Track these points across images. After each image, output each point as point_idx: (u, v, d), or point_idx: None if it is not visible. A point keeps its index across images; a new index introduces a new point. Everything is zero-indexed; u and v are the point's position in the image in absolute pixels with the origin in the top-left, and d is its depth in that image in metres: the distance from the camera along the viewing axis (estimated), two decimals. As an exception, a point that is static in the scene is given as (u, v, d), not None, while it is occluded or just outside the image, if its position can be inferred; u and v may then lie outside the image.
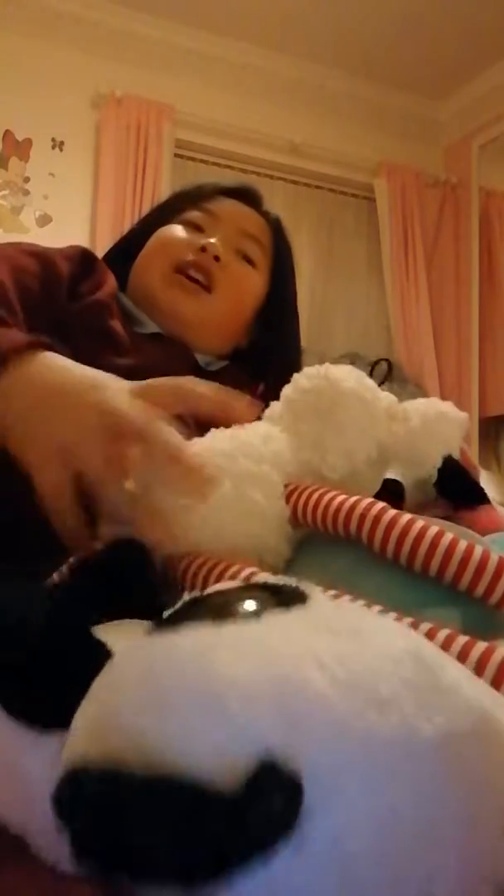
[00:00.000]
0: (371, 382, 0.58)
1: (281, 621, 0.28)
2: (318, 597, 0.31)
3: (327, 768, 0.23)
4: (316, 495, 0.48)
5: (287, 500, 0.51)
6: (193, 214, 0.95)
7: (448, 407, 0.60)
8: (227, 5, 3.14)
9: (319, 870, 0.22)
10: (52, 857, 0.30)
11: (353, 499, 0.46)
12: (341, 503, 0.46)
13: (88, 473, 0.48)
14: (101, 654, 0.30)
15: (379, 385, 0.60)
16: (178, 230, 0.94)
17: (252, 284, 0.95)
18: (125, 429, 0.47)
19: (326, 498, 0.48)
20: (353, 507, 0.45)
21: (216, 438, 0.52)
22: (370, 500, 0.46)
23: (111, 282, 0.90)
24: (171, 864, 0.20)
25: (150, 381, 0.51)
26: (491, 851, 0.24)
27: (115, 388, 0.50)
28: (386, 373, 3.50)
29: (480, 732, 0.25)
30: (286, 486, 0.52)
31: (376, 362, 3.47)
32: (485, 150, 3.63)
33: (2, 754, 0.30)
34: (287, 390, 0.59)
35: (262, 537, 0.49)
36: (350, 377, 0.57)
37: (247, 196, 0.99)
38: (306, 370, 0.59)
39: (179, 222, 0.95)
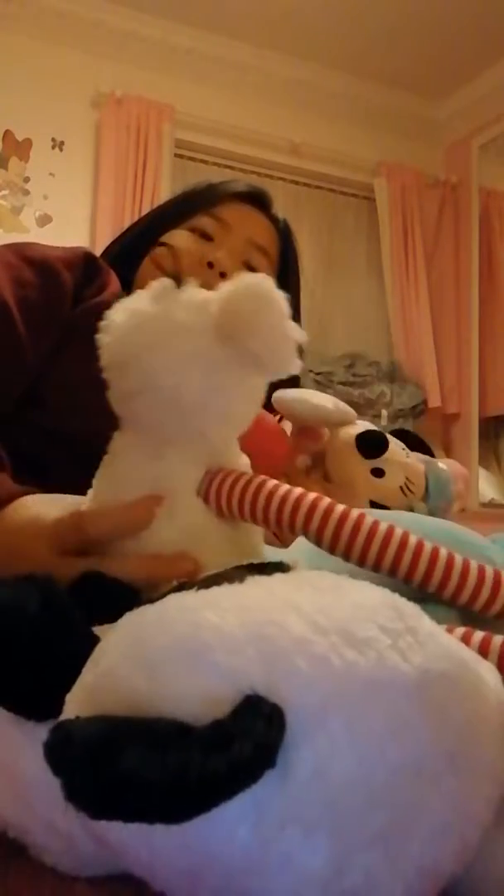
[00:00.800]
0: (177, 316, 0.46)
1: (263, 582, 0.29)
2: (301, 568, 0.32)
3: (309, 703, 0.23)
4: (252, 489, 0.46)
5: (208, 495, 0.48)
6: (203, 221, 0.94)
7: (250, 307, 0.45)
8: (227, 5, 3.14)
9: (305, 799, 0.23)
10: (51, 859, 0.30)
11: (297, 493, 0.44)
12: (284, 498, 0.44)
13: None
14: (91, 642, 0.30)
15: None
16: (186, 238, 0.93)
17: None
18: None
19: (277, 496, 0.45)
20: (298, 503, 0.44)
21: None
22: (315, 494, 0.44)
23: (115, 283, 0.90)
24: (160, 794, 0.21)
25: (58, 529, 0.50)
26: (477, 793, 0.25)
27: (40, 545, 0.50)
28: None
29: (458, 676, 0.26)
30: (203, 488, 0.48)
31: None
32: (485, 150, 3.63)
33: (0, 755, 0.31)
34: (115, 404, 0.50)
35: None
36: (156, 346, 0.45)
37: (256, 199, 0.99)
38: (102, 353, 0.48)
39: (188, 227, 0.94)
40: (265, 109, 3.48)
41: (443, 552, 0.41)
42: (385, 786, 0.23)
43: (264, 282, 0.45)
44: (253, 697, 0.23)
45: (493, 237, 3.66)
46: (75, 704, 0.27)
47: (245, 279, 0.45)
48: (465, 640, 0.32)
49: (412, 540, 0.41)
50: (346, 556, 0.42)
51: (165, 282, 0.48)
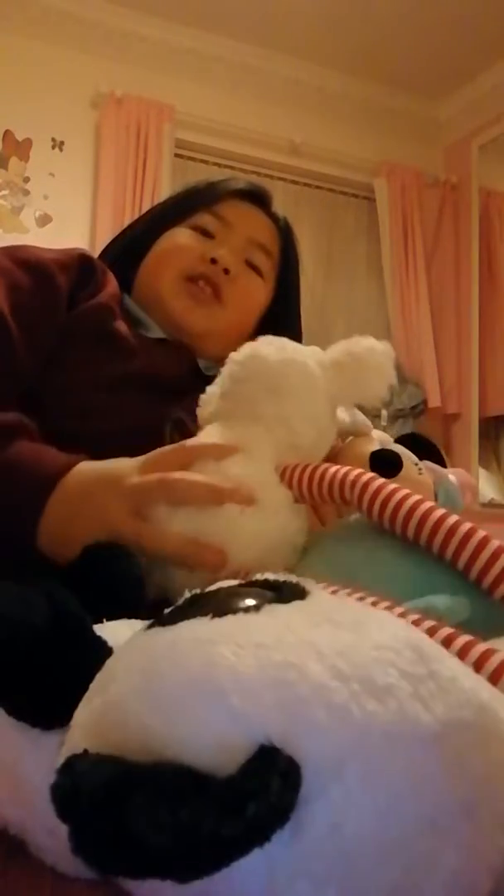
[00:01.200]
0: (293, 345, 0.62)
1: (280, 614, 0.28)
2: (319, 592, 0.31)
3: (326, 756, 0.23)
4: (319, 471, 0.54)
5: (285, 480, 0.57)
6: (205, 219, 0.94)
7: (371, 341, 0.63)
8: (227, 5, 3.14)
9: (318, 855, 0.22)
10: (51, 858, 0.30)
11: (356, 473, 0.52)
12: (356, 478, 0.51)
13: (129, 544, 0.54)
14: (102, 652, 0.30)
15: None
16: (188, 236, 0.93)
17: (259, 296, 0.96)
18: (146, 499, 0.57)
19: (331, 473, 0.53)
20: (366, 485, 0.50)
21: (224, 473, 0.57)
22: (380, 479, 0.51)
23: (112, 284, 0.89)
24: (171, 853, 0.20)
25: (153, 453, 0.60)
26: (491, 843, 0.24)
27: (126, 474, 0.59)
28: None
29: (479, 724, 0.25)
30: (281, 470, 0.58)
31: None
32: (485, 150, 3.63)
33: (3, 756, 0.30)
34: (226, 384, 0.62)
35: (292, 542, 0.57)
36: (277, 350, 0.60)
37: (257, 197, 0.98)
38: (233, 357, 0.62)
39: (189, 226, 0.94)
40: (265, 109, 3.48)
41: (465, 525, 0.44)
42: (400, 840, 0.23)
43: (383, 347, 0.62)
44: (268, 749, 0.22)
45: (493, 237, 3.65)
46: (83, 730, 0.27)
47: (367, 342, 0.63)
48: (484, 659, 0.32)
49: (437, 513, 0.45)
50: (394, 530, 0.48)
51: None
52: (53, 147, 3.15)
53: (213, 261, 0.89)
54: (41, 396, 0.78)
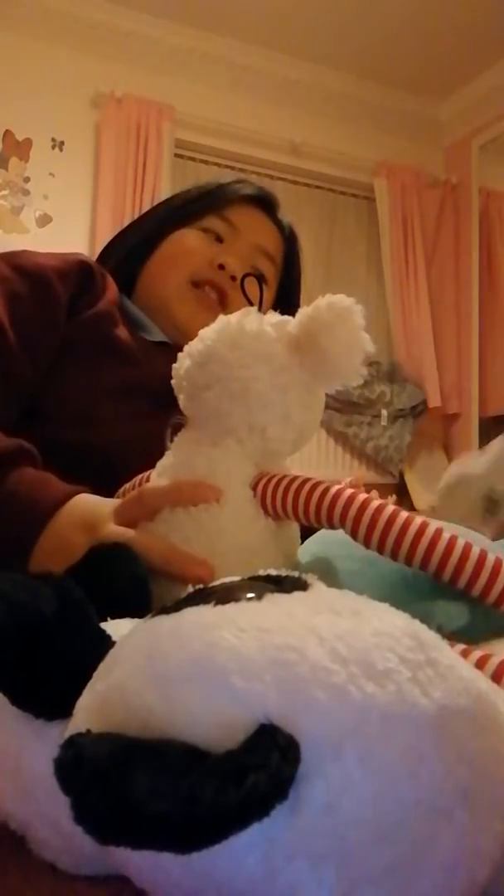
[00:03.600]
0: (256, 327, 0.52)
1: (282, 602, 0.28)
2: (320, 585, 0.31)
3: (325, 735, 0.23)
4: (293, 492, 0.49)
5: (258, 493, 0.51)
6: (214, 223, 0.95)
7: (330, 315, 0.50)
8: (227, 5, 3.14)
9: (315, 832, 0.22)
10: (51, 854, 0.30)
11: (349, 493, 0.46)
12: (335, 497, 0.46)
13: None
14: (105, 644, 0.30)
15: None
16: (196, 239, 0.94)
17: (263, 303, 0.96)
18: None
19: (318, 491, 0.48)
20: (348, 504, 0.45)
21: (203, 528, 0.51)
22: (365, 495, 0.46)
23: (112, 289, 0.89)
24: (170, 825, 0.21)
25: (122, 502, 0.56)
26: (487, 831, 0.24)
27: (103, 521, 0.56)
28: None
29: (476, 711, 0.25)
30: (253, 485, 0.52)
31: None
32: (485, 150, 3.63)
33: (5, 747, 0.31)
34: (187, 388, 0.55)
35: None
36: (235, 345, 0.51)
37: (265, 203, 0.99)
38: (190, 352, 0.54)
39: (199, 228, 0.95)
40: (265, 109, 3.48)
41: (460, 542, 0.42)
42: (397, 822, 0.23)
43: (345, 298, 0.51)
44: (268, 727, 0.22)
45: (493, 237, 3.66)
46: (85, 713, 0.27)
47: (327, 297, 0.51)
48: (480, 664, 0.32)
49: (445, 535, 0.42)
50: (380, 550, 0.44)
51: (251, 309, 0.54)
52: (53, 147, 3.15)
53: (221, 267, 0.90)
54: (43, 406, 0.78)
